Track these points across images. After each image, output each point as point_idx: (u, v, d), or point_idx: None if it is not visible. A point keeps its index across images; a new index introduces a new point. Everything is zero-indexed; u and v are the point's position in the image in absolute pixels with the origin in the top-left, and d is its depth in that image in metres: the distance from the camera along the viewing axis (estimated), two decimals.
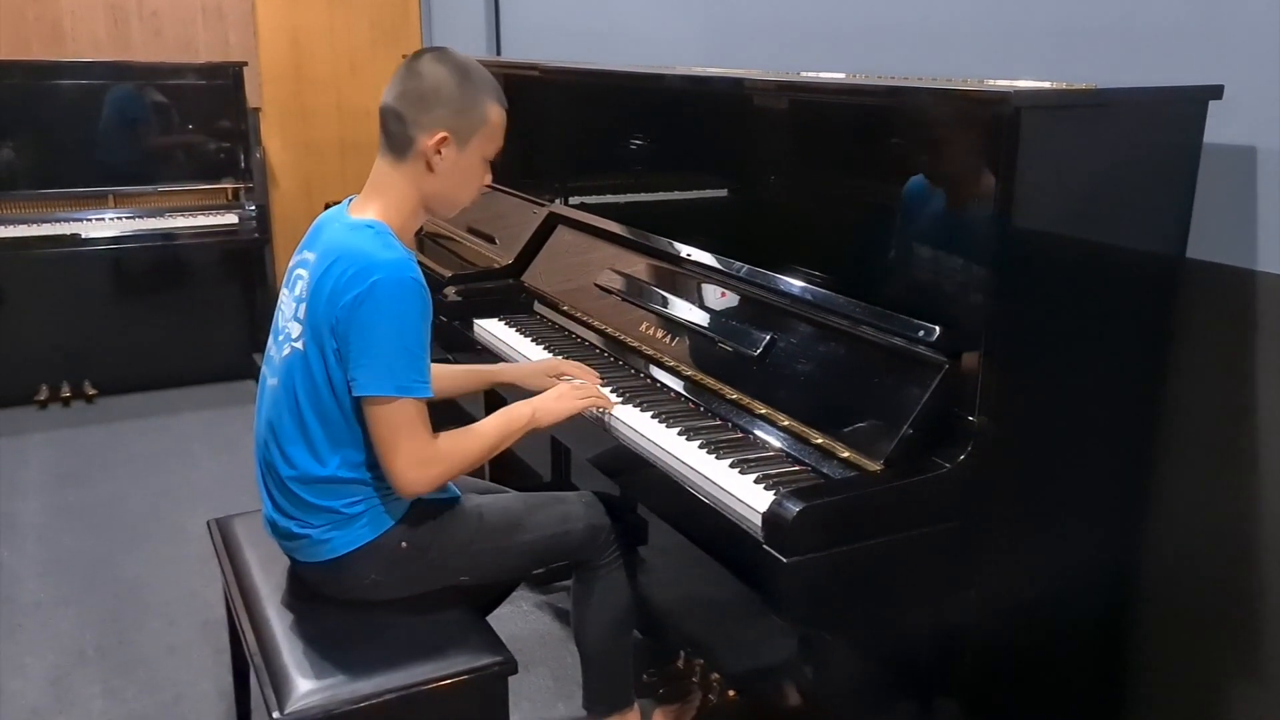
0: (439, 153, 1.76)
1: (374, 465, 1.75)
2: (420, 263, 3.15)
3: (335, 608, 1.84)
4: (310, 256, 1.77)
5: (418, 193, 1.81)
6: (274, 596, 1.89)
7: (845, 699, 2.06)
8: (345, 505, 1.77)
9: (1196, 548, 1.82)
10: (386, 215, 1.78)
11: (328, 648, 1.75)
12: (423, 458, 1.70)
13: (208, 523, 2.20)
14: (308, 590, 1.88)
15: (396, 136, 1.78)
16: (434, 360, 2.11)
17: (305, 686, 1.66)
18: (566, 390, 1.99)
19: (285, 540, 1.85)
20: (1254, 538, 1.74)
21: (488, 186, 1.91)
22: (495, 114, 1.82)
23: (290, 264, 1.85)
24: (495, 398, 2.91)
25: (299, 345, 1.74)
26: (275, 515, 1.83)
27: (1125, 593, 1.89)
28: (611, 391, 2.07)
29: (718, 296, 2.15)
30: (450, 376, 2.18)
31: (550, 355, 2.36)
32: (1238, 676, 1.81)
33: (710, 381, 2.02)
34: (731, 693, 2.32)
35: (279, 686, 1.67)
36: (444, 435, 1.77)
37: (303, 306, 1.74)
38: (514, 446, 1.92)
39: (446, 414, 3.47)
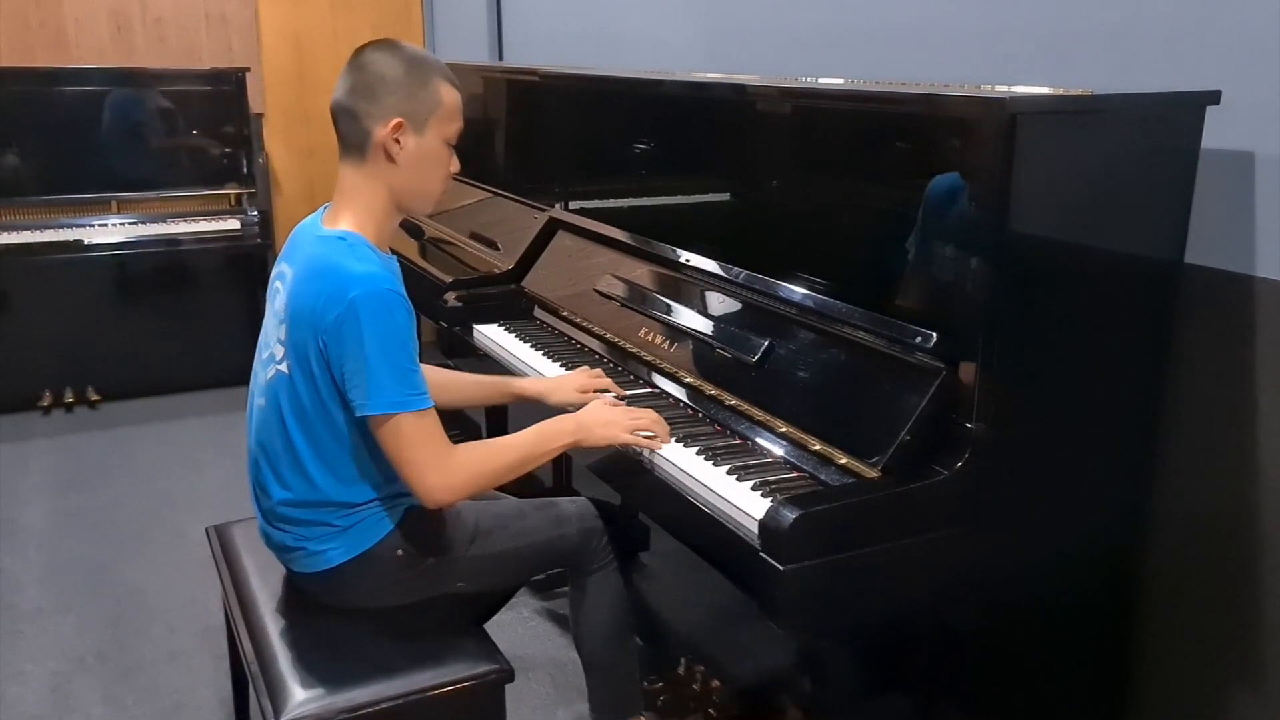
0: (397, 141, 1.71)
1: (367, 481, 1.75)
2: (421, 268, 3.19)
3: (332, 616, 1.83)
4: (287, 270, 1.76)
5: (386, 191, 1.75)
6: (271, 604, 1.89)
7: (845, 705, 2.05)
8: (339, 518, 1.76)
9: (1197, 552, 1.81)
10: (359, 224, 1.74)
11: (324, 656, 1.75)
12: (438, 467, 1.68)
13: (206, 530, 2.20)
14: (305, 598, 1.87)
15: (351, 135, 1.73)
16: (437, 366, 2.11)
17: (301, 695, 1.66)
18: (619, 416, 1.87)
19: (280, 552, 1.85)
20: (1254, 542, 1.73)
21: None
22: (448, 94, 1.76)
23: (271, 275, 1.84)
24: (497, 407, 2.92)
25: (283, 368, 1.73)
26: (269, 529, 1.83)
27: (1125, 597, 1.88)
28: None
29: (717, 302, 2.15)
30: (468, 386, 2.17)
31: (550, 361, 2.36)
32: (1238, 679, 1.80)
33: (709, 388, 2.01)
34: (733, 699, 2.31)
35: (275, 695, 1.67)
36: (467, 445, 1.75)
37: (284, 327, 1.72)
38: None
39: (453, 422, 3.49)
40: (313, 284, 1.67)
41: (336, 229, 1.74)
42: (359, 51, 1.76)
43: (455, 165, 1.83)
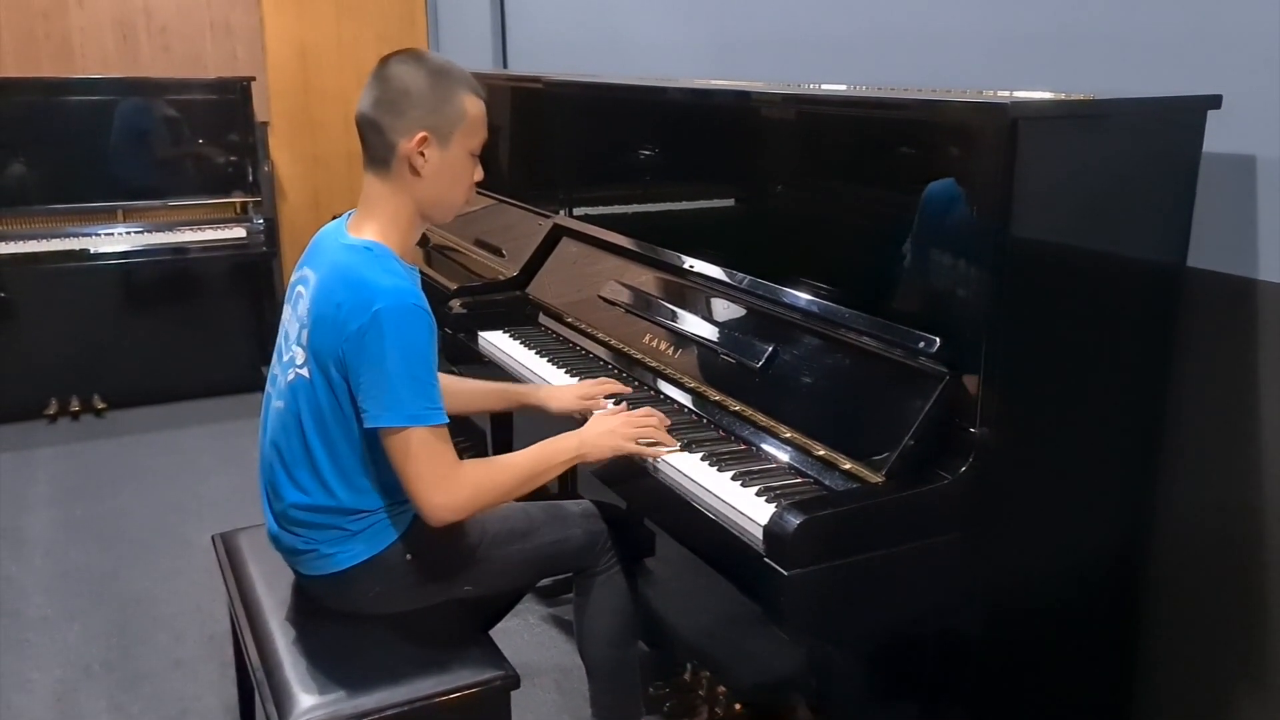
0: (422, 154, 1.72)
1: (380, 488, 1.75)
2: (427, 275, 3.20)
3: (338, 622, 1.84)
4: (310, 275, 1.76)
5: (411, 202, 1.77)
6: (277, 611, 1.90)
7: (851, 710, 2.05)
8: (351, 522, 1.77)
9: (1200, 555, 1.81)
10: (384, 234, 1.75)
11: (330, 662, 1.75)
12: (444, 484, 1.68)
13: (212, 537, 2.20)
14: (311, 604, 1.88)
15: (377, 147, 1.74)
16: (443, 374, 2.11)
17: (308, 702, 1.66)
18: (619, 425, 1.87)
19: (289, 554, 1.85)
20: (1259, 546, 1.73)
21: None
22: (473, 105, 1.77)
23: (291, 279, 1.85)
24: (504, 414, 2.93)
25: (304, 372, 1.73)
26: (279, 531, 1.83)
27: (1129, 601, 1.88)
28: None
29: (721, 308, 2.15)
30: (474, 393, 2.17)
31: (555, 367, 2.36)
32: (1244, 682, 1.80)
33: (714, 393, 2.02)
34: (738, 705, 2.31)
35: (281, 702, 1.68)
36: (473, 462, 1.75)
37: (305, 332, 1.73)
38: None
39: (457, 429, 3.49)
40: (337, 293, 1.67)
41: (362, 239, 1.74)
42: (383, 62, 1.76)
43: (479, 174, 1.84)
